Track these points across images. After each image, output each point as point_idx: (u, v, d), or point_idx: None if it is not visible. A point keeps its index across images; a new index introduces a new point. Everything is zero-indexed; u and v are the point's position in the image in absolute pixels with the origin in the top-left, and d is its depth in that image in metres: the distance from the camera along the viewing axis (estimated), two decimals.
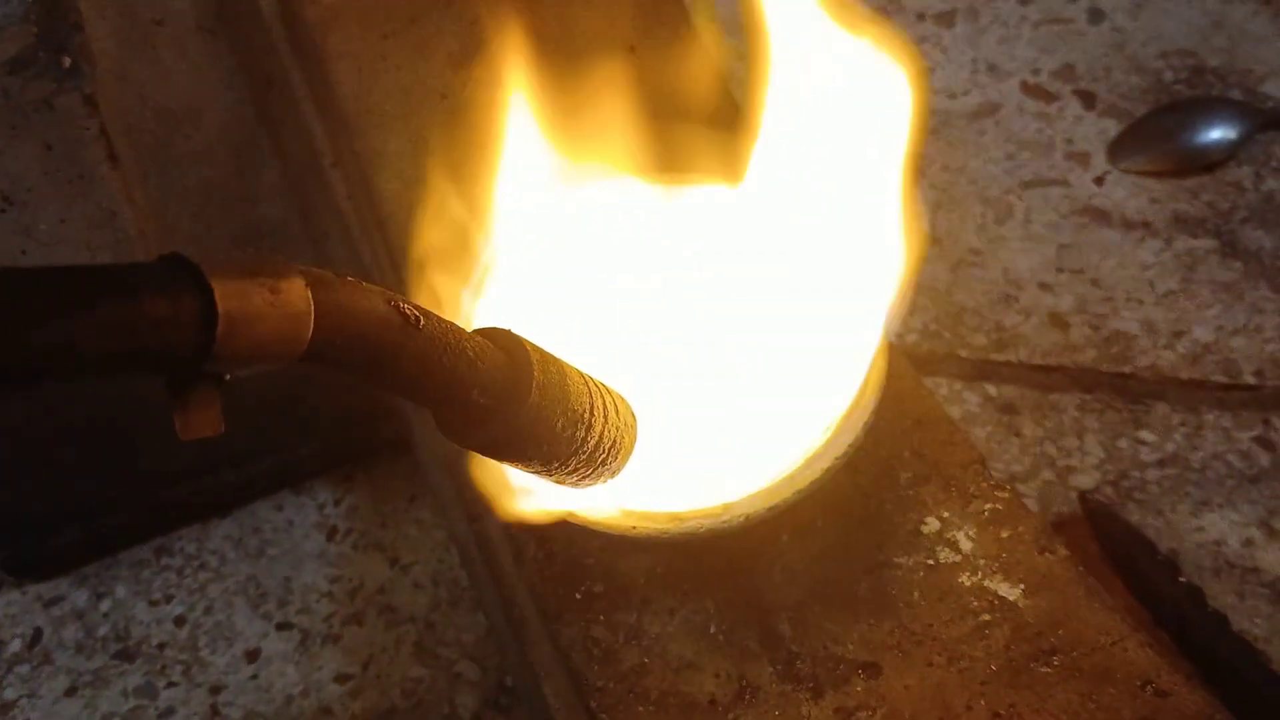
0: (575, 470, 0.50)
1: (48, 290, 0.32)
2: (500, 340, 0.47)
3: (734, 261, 0.66)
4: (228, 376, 0.38)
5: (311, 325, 0.38)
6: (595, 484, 0.53)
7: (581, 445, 0.49)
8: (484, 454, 0.49)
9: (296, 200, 0.99)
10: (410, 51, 0.87)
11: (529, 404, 0.46)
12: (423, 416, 0.89)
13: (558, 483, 0.52)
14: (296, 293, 0.37)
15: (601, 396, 0.51)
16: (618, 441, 0.51)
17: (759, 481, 0.59)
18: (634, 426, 0.53)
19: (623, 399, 0.53)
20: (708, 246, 0.66)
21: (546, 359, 0.48)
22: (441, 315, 0.44)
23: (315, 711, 0.90)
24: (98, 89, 0.83)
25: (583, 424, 0.49)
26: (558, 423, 0.48)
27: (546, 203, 0.67)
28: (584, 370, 0.51)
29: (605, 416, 0.50)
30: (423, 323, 0.42)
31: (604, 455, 0.51)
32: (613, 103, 0.70)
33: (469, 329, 0.46)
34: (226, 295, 0.35)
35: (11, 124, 0.81)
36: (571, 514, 0.59)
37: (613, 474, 0.53)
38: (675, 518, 0.59)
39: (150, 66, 0.94)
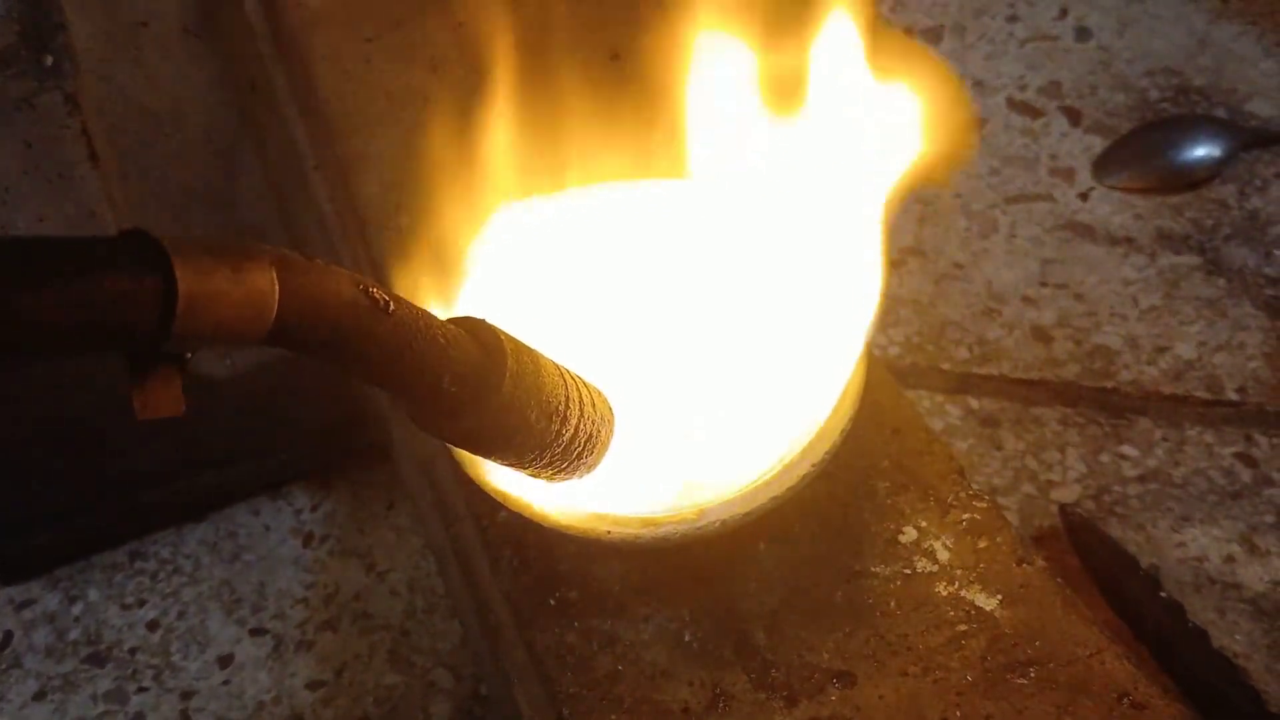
0: (551, 464, 0.50)
1: (1, 260, 0.31)
2: (474, 329, 0.47)
3: (714, 265, 0.66)
4: (189, 356, 0.37)
5: (275, 307, 0.37)
6: (571, 478, 0.52)
7: (556, 438, 0.49)
8: (457, 445, 0.49)
9: (278, 203, 0.99)
10: (394, 55, 0.87)
11: (502, 394, 0.45)
12: (402, 422, 0.88)
13: (533, 476, 0.51)
14: (261, 273, 0.37)
15: (578, 389, 0.50)
16: (594, 435, 0.51)
17: (735, 487, 0.59)
18: (611, 421, 0.53)
19: (599, 393, 0.52)
20: (688, 250, 0.66)
21: (521, 349, 0.47)
22: (414, 303, 0.43)
23: (287, 718, 0.89)
24: (80, 88, 0.83)
25: (558, 416, 0.48)
26: (532, 414, 0.47)
27: (527, 206, 0.66)
28: (560, 363, 0.50)
29: (581, 409, 0.50)
30: (393, 308, 0.41)
31: (580, 449, 0.50)
32: (595, 107, 0.70)
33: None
34: (188, 273, 0.34)
35: None
36: (545, 517, 0.58)
37: (589, 469, 0.52)
38: (649, 522, 0.58)
39: (133, 67, 0.94)
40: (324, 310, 0.39)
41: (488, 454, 0.49)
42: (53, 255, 0.32)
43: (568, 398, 0.49)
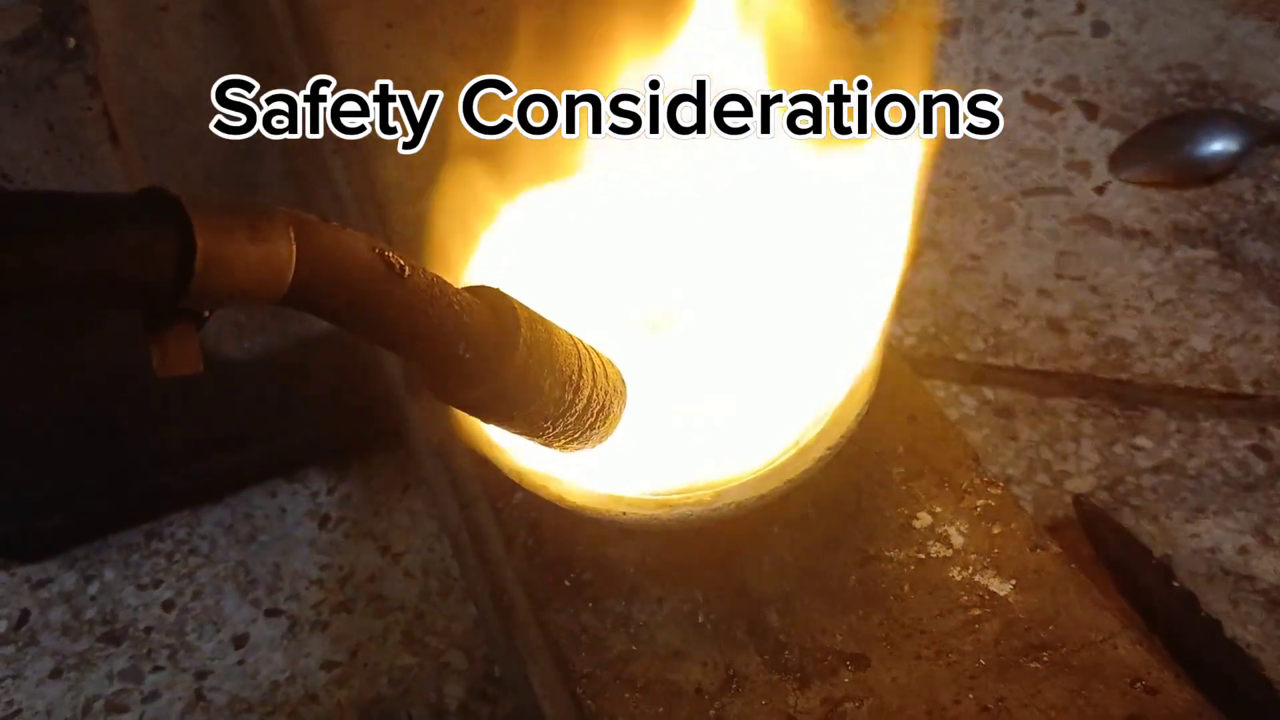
0: (563, 433, 0.50)
1: (23, 213, 0.32)
2: (488, 297, 0.47)
3: (733, 248, 0.66)
4: (207, 314, 0.38)
5: (293, 267, 0.37)
6: (583, 449, 0.52)
7: (570, 407, 0.49)
8: (471, 414, 0.49)
9: (296, 186, 0.99)
10: (414, 41, 0.87)
11: (516, 361, 0.45)
12: (418, 405, 0.89)
13: (545, 445, 0.51)
14: (279, 234, 0.37)
15: (590, 359, 0.50)
16: (606, 406, 0.51)
17: (751, 470, 0.59)
18: (624, 392, 0.53)
19: (612, 364, 0.52)
20: (706, 232, 0.66)
21: (534, 318, 0.48)
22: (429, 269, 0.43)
23: (301, 698, 0.90)
24: (101, 70, 0.83)
25: (571, 385, 0.48)
26: (545, 382, 0.47)
27: (543, 189, 0.66)
28: (573, 333, 0.51)
29: (594, 379, 0.50)
30: (408, 273, 0.41)
31: (592, 419, 0.50)
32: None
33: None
34: (206, 231, 0.35)
35: (13, 102, 0.81)
36: (561, 498, 0.59)
37: (601, 439, 0.52)
38: (666, 504, 0.58)
39: (154, 50, 0.94)
40: (340, 272, 0.39)
41: (501, 422, 0.49)
42: (74, 209, 0.33)
43: (581, 367, 0.49)
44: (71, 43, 0.82)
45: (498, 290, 0.48)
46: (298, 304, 0.39)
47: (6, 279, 0.31)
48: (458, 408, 0.48)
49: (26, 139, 0.82)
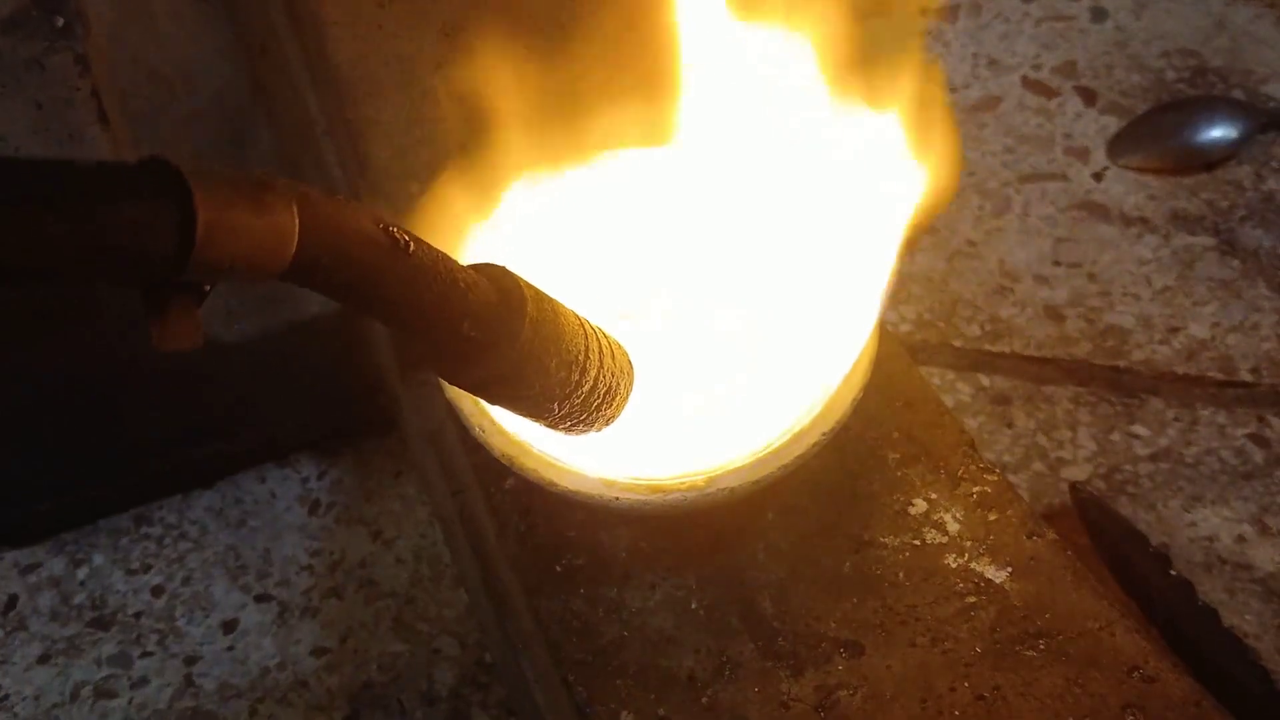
0: (569, 415, 0.49)
1: (19, 181, 0.31)
2: (493, 275, 0.46)
3: (729, 235, 0.65)
4: (207, 288, 0.37)
5: (295, 241, 0.37)
6: (589, 431, 0.51)
7: (576, 388, 0.48)
8: (474, 393, 0.48)
9: (288, 168, 0.99)
10: (406, 21, 0.86)
11: (521, 339, 0.45)
12: (410, 391, 0.88)
13: (550, 427, 0.50)
14: (282, 206, 0.36)
15: (598, 340, 0.49)
16: (613, 387, 0.50)
17: (744, 455, 0.59)
18: (630, 374, 0.52)
19: (619, 345, 0.52)
20: (703, 218, 0.66)
21: (541, 296, 0.47)
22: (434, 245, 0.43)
23: (291, 684, 0.89)
24: (90, 50, 0.82)
25: (577, 366, 0.48)
26: (551, 363, 0.46)
27: (542, 176, 0.66)
28: (580, 313, 0.50)
29: (601, 360, 0.49)
30: (413, 248, 0.40)
31: (599, 401, 0.49)
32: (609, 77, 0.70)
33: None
34: (208, 203, 0.34)
35: (1, 83, 0.80)
36: (553, 484, 0.58)
37: (607, 421, 0.51)
38: (658, 489, 0.58)
39: (145, 30, 0.93)
40: (343, 246, 0.38)
41: (505, 403, 0.48)
42: (73, 179, 0.32)
43: (587, 348, 0.48)
44: (60, 22, 0.81)
45: (503, 268, 0.47)
46: (300, 279, 0.38)
47: (6, 250, 0.30)
48: (461, 387, 0.47)
49: (15, 119, 0.81)
